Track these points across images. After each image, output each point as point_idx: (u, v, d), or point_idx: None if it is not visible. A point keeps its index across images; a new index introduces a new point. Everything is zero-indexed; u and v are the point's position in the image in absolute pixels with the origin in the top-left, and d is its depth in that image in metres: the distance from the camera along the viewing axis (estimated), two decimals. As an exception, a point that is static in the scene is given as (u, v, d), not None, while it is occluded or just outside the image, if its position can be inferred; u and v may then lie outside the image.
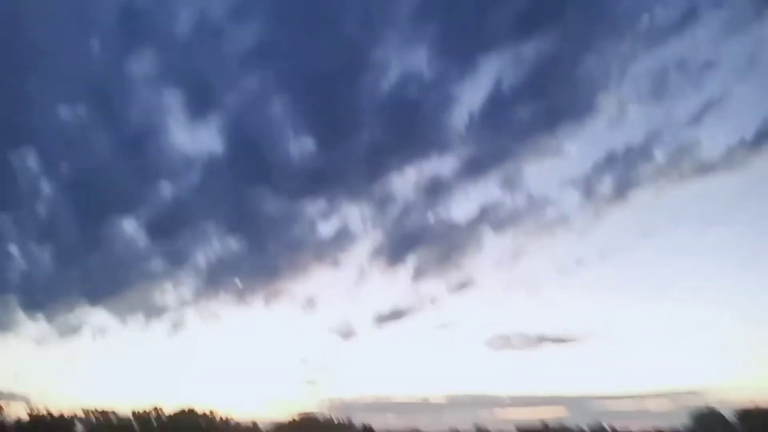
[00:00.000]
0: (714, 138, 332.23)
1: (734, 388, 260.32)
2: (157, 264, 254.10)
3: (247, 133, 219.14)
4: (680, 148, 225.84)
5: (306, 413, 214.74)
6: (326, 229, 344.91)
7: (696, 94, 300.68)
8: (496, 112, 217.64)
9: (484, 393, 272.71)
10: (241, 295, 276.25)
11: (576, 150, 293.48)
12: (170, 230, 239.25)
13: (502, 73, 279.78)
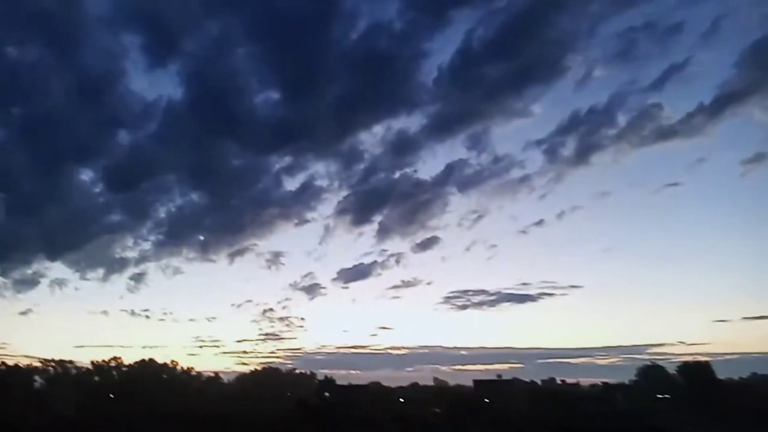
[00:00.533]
0: (675, 102, 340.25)
1: (676, 345, 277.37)
2: (116, 217, 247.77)
3: (210, 82, 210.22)
4: (642, 112, 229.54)
5: (268, 365, 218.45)
6: (292, 185, 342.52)
7: (661, 58, 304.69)
8: (466, 70, 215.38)
9: (444, 348, 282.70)
10: (204, 251, 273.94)
11: (542, 111, 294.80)
12: (130, 182, 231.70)
13: (474, 29, 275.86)
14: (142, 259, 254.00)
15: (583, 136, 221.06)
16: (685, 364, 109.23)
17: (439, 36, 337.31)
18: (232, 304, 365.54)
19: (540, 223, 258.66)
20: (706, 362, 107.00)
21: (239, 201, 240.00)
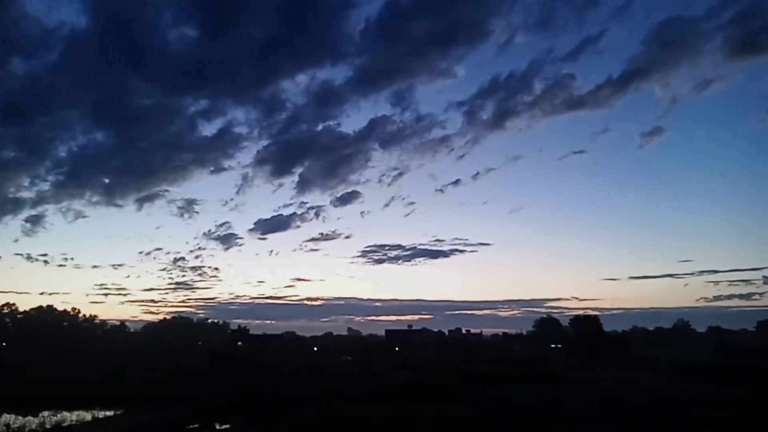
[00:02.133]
0: (587, 74, 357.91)
1: (571, 300, 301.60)
2: (9, 153, 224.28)
3: (118, 11, 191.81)
4: (557, 81, 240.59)
5: (178, 314, 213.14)
6: (209, 130, 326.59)
7: (577, 29, 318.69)
8: (394, 23, 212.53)
9: (359, 299, 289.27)
10: (110, 194, 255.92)
11: (465, 73, 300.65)
12: (25, 115, 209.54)
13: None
14: (40, 200, 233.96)
15: (502, 101, 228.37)
16: (577, 317, 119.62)
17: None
18: (141, 252, 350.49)
19: (457, 182, 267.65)
20: (595, 316, 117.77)
21: (149, 143, 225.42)
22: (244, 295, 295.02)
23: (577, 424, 27.20)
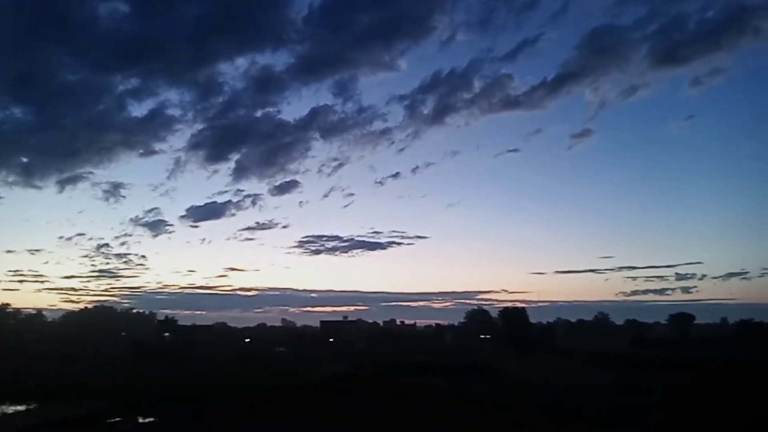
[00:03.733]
0: (523, 75, 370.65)
1: (500, 293, 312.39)
2: None
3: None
4: (495, 81, 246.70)
5: (100, 303, 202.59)
6: (139, 111, 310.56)
7: (516, 30, 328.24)
8: (338, 12, 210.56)
9: (295, 290, 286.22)
10: (28, 175, 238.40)
11: (408, 67, 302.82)
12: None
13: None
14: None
15: (442, 97, 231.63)
16: (505, 309, 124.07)
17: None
18: (61, 237, 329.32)
19: (396, 175, 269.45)
20: (522, 308, 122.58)
21: (74, 121, 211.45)
22: (173, 285, 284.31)
23: (500, 412, 28.24)
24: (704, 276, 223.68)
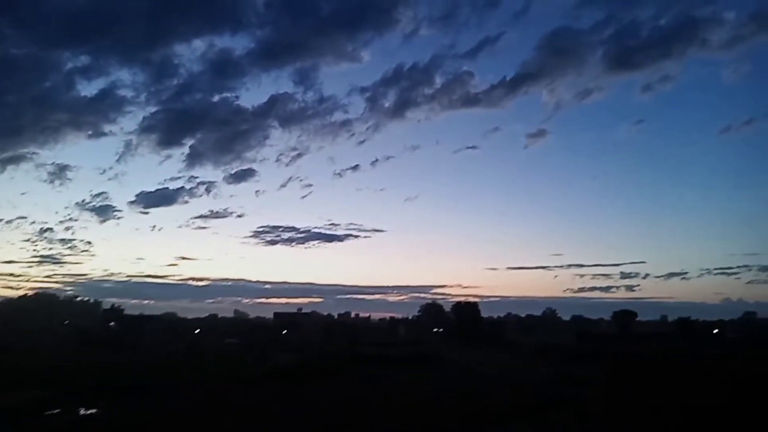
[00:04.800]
0: (484, 73, 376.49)
1: (455, 287, 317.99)
2: None
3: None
4: (456, 77, 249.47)
5: (42, 290, 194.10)
6: (88, 90, 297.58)
7: (479, 28, 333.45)
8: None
9: (249, 281, 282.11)
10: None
11: (370, 59, 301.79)
12: None
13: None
14: None
15: (404, 91, 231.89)
16: (458, 303, 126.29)
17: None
18: (1, 220, 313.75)
19: (356, 167, 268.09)
20: (474, 302, 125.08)
21: (17, 98, 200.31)
22: (121, 273, 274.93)
23: (443, 400, 29.01)
24: (647, 275, 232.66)
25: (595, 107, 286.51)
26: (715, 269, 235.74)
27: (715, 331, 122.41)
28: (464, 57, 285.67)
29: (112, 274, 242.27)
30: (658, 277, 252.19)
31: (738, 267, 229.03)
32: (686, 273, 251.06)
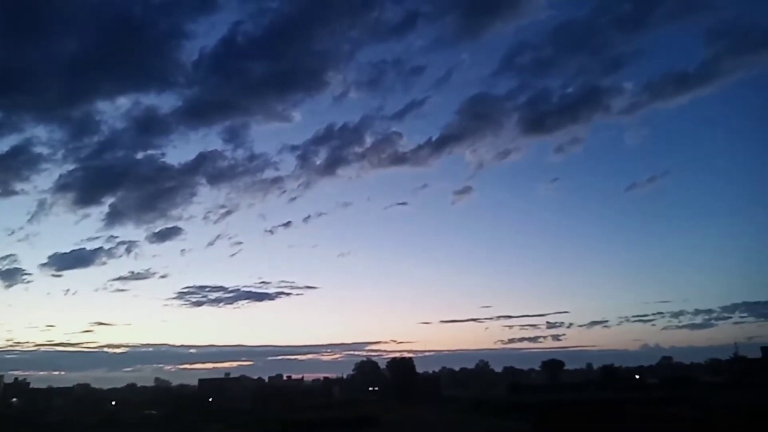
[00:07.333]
0: (411, 134, 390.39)
1: (389, 343, 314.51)
2: None
3: None
4: (385, 137, 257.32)
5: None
6: (0, 146, 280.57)
7: (405, 92, 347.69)
8: (230, 59, 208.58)
9: (171, 345, 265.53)
10: None
11: (301, 119, 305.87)
12: None
13: (241, 21, 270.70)
14: None
15: (335, 149, 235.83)
16: (393, 359, 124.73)
17: (204, 20, 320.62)
18: None
19: (288, 224, 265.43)
20: (409, 358, 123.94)
21: None
22: (27, 342, 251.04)
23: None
24: (571, 324, 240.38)
25: (513, 166, 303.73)
26: (633, 317, 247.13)
27: (637, 377, 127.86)
28: (392, 119, 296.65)
29: (17, 344, 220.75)
30: (581, 326, 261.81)
31: (653, 314, 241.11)
32: (607, 321, 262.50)
